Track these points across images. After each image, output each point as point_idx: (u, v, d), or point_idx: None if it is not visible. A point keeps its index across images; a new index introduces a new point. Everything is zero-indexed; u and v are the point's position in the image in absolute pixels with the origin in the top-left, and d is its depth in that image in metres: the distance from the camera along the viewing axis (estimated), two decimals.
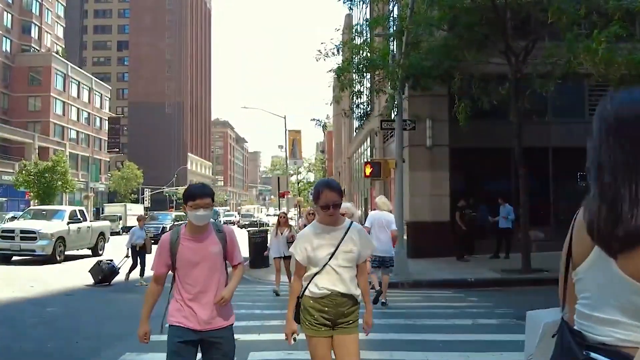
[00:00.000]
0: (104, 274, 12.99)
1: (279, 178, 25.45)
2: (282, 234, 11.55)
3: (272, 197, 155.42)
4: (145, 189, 76.10)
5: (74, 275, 14.97)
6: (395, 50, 14.66)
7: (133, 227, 14.20)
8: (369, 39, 16.40)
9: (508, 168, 17.15)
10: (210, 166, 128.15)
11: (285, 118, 34.98)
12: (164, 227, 31.37)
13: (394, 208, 14.65)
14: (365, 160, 32.38)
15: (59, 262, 17.85)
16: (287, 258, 11.24)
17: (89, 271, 13.19)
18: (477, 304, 9.69)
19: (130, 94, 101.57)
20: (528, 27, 13.62)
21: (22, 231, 17.65)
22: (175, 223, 32.11)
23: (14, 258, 17.98)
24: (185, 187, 3.26)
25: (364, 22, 15.95)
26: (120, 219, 44.57)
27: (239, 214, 77.18)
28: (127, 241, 13.58)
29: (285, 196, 26.46)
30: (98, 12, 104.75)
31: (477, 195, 16.86)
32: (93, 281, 12.95)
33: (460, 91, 12.88)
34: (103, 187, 71.93)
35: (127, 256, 13.41)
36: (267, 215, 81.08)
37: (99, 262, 13.36)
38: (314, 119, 28.42)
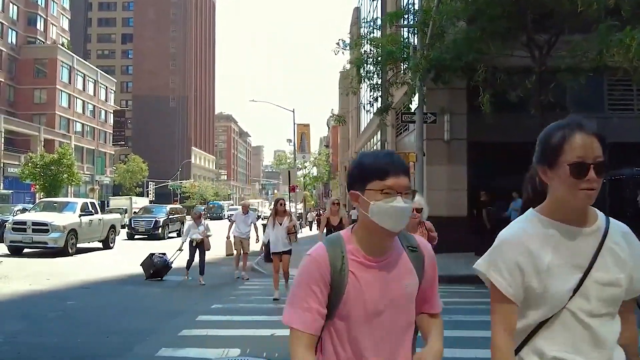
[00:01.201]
0: (156, 267, 12.27)
1: (289, 172, 25.26)
2: (280, 224, 9.80)
3: (276, 191, 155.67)
4: (149, 183, 76.09)
5: (87, 268, 14.84)
6: (416, 42, 14.45)
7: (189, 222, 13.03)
8: (382, 32, 16.23)
9: (527, 162, 16.93)
10: (214, 160, 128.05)
11: (294, 111, 34.73)
12: (156, 221, 28.11)
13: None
14: None
15: (71, 254, 17.71)
16: (287, 253, 9.79)
17: (141, 265, 12.48)
18: None
19: (134, 87, 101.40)
20: (550, 20, 13.38)
21: (34, 223, 17.46)
22: (170, 217, 29.71)
23: (25, 250, 17.84)
24: (354, 159, 1.81)
25: (385, 15, 15.69)
26: (126, 212, 44.40)
27: None
28: (183, 235, 12.77)
29: (295, 190, 26.30)
30: (102, 5, 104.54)
31: (495, 190, 16.64)
32: (145, 275, 12.24)
33: (484, 83, 12.65)
34: (108, 180, 71.85)
35: (180, 249, 12.52)
36: (270, 209, 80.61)
37: (151, 256, 12.53)
38: (333, 115, 28.29)
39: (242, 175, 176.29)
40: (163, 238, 27.67)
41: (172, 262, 12.56)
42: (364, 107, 19.52)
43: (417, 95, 13.55)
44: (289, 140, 35.93)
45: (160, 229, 27.92)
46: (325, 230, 9.97)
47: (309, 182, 67.57)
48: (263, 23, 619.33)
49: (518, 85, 12.70)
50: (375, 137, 31.83)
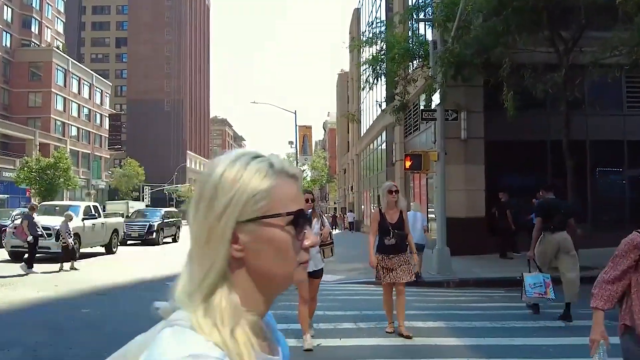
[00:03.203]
0: None
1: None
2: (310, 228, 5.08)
3: None
4: (145, 187, 75.36)
5: (94, 273, 14.35)
6: (433, 37, 14.05)
7: None
8: (387, 28, 15.83)
9: (544, 161, 16.56)
10: None
11: (295, 113, 34.24)
12: (150, 226, 26.43)
13: (436, 203, 14.14)
14: (379, 155, 31.86)
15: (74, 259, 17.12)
16: (318, 276, 6.48)
17: None
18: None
19: (128, 91, 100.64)
20: (575, 14, 12.99)
21: None
22: (165, 221, 28.11)
23: (26, 255, 17.21)
24: None
25: (405, 10, 15.28)
26: (123, 216, 43.68)
27: None
28: None
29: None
30: (96, 9, 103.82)
31: (513, 189, 16.22)
32: None
33: (509, 80, 12.22)
34: (104, 185, 71.05)
35: None
36: None
37: None
38: (347, 114, 27.82)
39: None
40: (158, 243, 26.35)
41: None
42: (379, 105, 19.04)
43: (438, 92, 13.09)
44: (291, 143, 35.45)
45: (154, 233, 26.29)
46: (378, 232, 6.79)
47: (306, 185, 67.20)
48: (255, 28, 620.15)
49: (543, 81, 12.25)
50: (379, 138, 31.40)
